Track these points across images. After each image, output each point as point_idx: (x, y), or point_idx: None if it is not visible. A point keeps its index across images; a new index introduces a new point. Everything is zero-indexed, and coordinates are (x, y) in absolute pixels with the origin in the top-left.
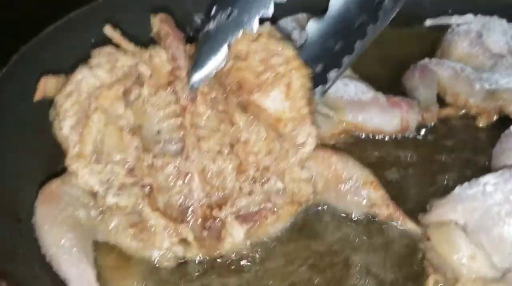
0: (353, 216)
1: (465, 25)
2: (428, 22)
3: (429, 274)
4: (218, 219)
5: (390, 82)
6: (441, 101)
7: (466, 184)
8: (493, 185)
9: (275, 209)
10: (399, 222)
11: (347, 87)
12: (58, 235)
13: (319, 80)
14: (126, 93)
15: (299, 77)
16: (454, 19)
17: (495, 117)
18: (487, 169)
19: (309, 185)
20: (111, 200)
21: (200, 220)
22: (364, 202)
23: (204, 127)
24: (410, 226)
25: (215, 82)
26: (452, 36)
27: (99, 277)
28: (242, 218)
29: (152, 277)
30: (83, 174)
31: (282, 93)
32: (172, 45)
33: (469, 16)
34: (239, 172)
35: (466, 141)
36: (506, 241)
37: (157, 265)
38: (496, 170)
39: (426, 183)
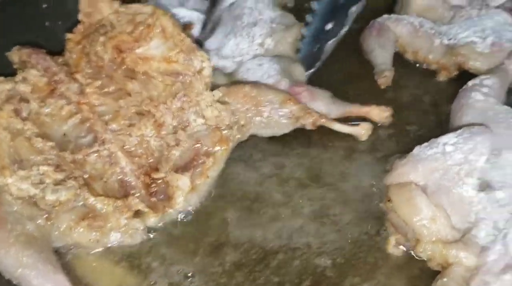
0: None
1: None
2: None
3: (390, 234)
4: (160, 180)
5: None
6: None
7: (425, 144)
8: (453, 144)
9: (209, 150)
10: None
11: (258, 68)
12: (17, 255)
13: None
14: (17, 111)
15: (168, 20)
16: None
17: (455, 73)
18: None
19: (228, 111)
20: (50, 197)
21: (143, 189)
22: (289, 118)
23: (105, 111)
24: (338, 127)
25: (96, 70)
26: None
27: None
28: (181, 168)
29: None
30: (13, 183)
31: (160, 39)
32: (39, 60)
33: None
34: (158, 129)
35: (428, 95)
36: (465, 201)
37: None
38: (454, 126)
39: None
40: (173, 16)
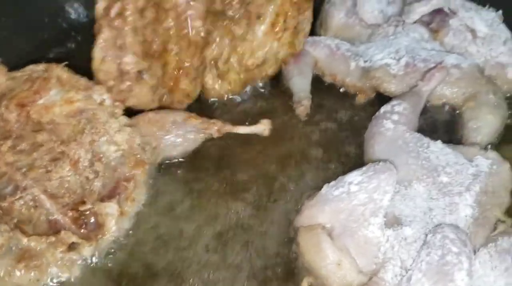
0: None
1: None
2: None
3: (302, 277)
4: (88, 212)
5: None
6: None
7: (333, 183)
8: (357, 184)
9: (128, 175)
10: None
11: None
12: None
13: None
14: None
15: (61, 70)
16: None
17: (373, 95)
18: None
19: (137, 132)
20: None
21: (73, 224)
22: (194, 133)
23: (21, 165)
24: (241, 130)
25: (5, 131)
26: (329, 7)
27: None
28: (107, 197)
29: None
30: None
31: (58, 86)
32: None
33: None
34: (75, 166)
35: (347, 119)
36: (371, 242)
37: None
38: (368, 155)
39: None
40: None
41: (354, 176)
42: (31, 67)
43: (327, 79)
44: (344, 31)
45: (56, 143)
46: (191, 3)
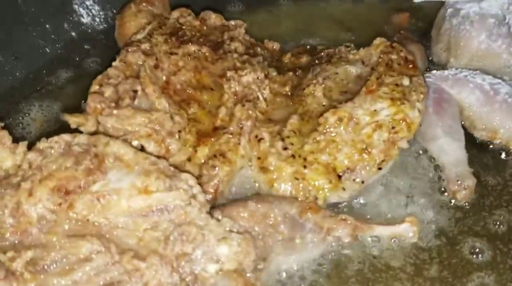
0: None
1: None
2: None
3: None
4: None
5: None
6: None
7: None
8: None
9: None
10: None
11: None
12: None
13: None
14: None
15: (120, 145)
16: None
17: None
18: None
19: (249, 241)
20: None
21: None
22: (315, 235)
23: None
24: (380, 231)
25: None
26: (463, 24)
27: None
28: None
29: None
30: None
31: (121, 169)
32: None
33: None
34: None
35: None
36: None
37: None
38: None
39: None
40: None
41: None
42: (64, 137)
43: (481, 135)
44: (484, 59)
45: (114, 259)
46: None
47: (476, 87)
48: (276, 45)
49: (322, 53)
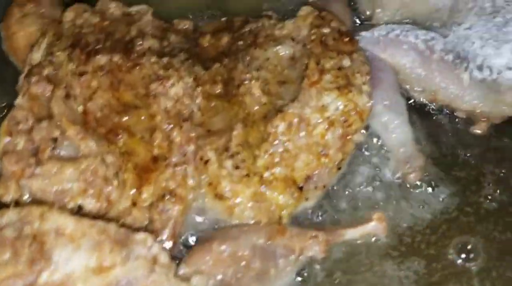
0: None
1: None
2: None
3: None
4: None
5: None
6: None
7: None
8: None
9: None
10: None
11: None
12: None
13: None
14: None
15: (63, 217)
16: None
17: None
18: None
19: None
20: None
21: None
22: (288, 256)
23: None
24: (351, 234)
25: None
26: None
27: None
28: None
29: None
30: None
31: (67, 244)
32: None
33: None
34: None
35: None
36: None
37: None
38: None
39: None
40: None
41: None
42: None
43: (422, 97)
44: (412, 6)
45: None
46: None
47: (411, 47)
48: (188, 24)
49: (244, 30)
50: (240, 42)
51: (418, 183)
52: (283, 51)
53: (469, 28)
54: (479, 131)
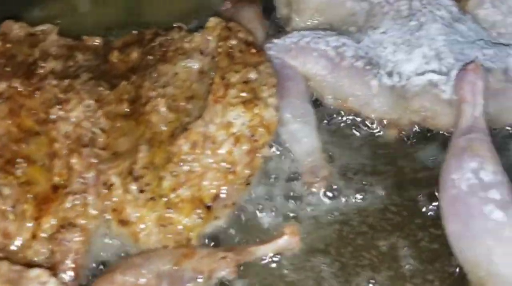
0: None
1: None
2: None
3: None
4: None
5: None
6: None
7: None
8: None
9: None
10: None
11: None
12: None
13: None
14: None
15: None
16: None
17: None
18: None
19: None
20: None
21: None
22: (197, 280)
23: None
24: (263, 251)
25: None
26: None
27: None
28: None
29: None
30: None
31: None
32: None
33: None
34: None
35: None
36: None
37: None
38: None
39: None
40: None
41: None
42: None
43: (332, 104)
44: (328, 11)
45: None
46: None
47: (321, 55)
48: (98, 40)
49: (153, 44)
50: (150, 57)
51: (330, 194)
52: (192, 64)
53: (384, 33)
54: (390, 139)
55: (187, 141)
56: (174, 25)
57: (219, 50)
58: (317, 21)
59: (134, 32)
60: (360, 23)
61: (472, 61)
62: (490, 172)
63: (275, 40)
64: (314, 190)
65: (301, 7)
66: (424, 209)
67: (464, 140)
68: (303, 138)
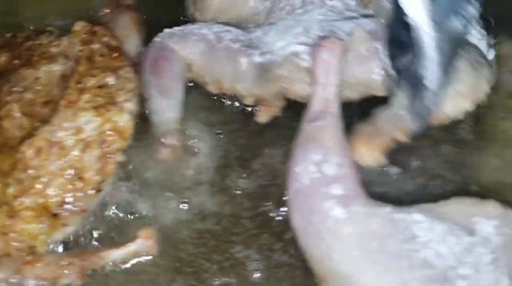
0: None
1: None
2: None
3: None
4: None
5: None
6: None
7: None
8: None
9: None
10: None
11: None
12: None
13: None
14: None
15: None
16: None
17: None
18: None
19: None
20: None
21: None
22: None
23: None
24: (117, 254)
25: None
26: None
27: None
28: None
29: None
30: None
31: None
32: None
33: None
34: None
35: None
36: None
37: None
38: None
39: None
40: None
41: None
42: None
43: (212, 89)
44: (231, 10)
45: None
46: None
47: (200, 39)
48: None
49: (22, 47)
50: (16, 61)
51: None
52: (55, 68)
53: (274, 23)
54: (262, 121)
55: (30, 147)
56: (47, 28)
57: (80, 54)
58: (220, 21)
59: (8, 35)
60: (261, 21)
61: (331, 36)
62: (334, 164)
63: (166, 30)
64: (158, 156)
65: (204, 5)
66: None
67: (311, 128)
68: (161, 111)
